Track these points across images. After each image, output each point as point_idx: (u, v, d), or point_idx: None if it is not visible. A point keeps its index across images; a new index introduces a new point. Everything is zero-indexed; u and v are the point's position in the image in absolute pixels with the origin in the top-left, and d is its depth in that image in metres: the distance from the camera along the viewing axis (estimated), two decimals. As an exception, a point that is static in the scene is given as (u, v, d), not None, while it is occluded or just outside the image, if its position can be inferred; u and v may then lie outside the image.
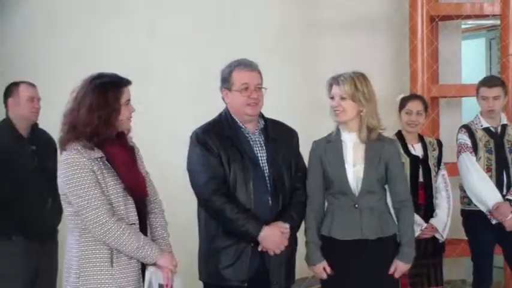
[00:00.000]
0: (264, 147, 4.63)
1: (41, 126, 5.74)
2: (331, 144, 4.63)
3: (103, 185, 3.94)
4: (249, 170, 4.52)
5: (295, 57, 7.67)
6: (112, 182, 3.97)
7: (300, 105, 7.48)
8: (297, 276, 6.95)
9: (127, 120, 4.09)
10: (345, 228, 4.56)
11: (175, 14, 7.33)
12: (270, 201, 4.55)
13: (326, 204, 4.68)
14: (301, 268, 6.48)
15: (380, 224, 4.61)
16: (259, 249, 4.46)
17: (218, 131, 4.58)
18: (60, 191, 4.02)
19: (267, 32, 7.53)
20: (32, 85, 5.80)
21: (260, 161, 4.59)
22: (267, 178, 4.56)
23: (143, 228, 4.09)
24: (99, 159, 3.96)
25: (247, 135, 4.61)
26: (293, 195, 4.66)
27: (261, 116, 4.71)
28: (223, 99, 4.65)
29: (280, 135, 4.71)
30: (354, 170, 4.58)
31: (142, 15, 7.32)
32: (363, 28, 7.85)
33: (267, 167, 4.58)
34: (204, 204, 4.54)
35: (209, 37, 7.17)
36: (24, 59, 7.05)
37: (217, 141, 4.51)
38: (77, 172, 3.90)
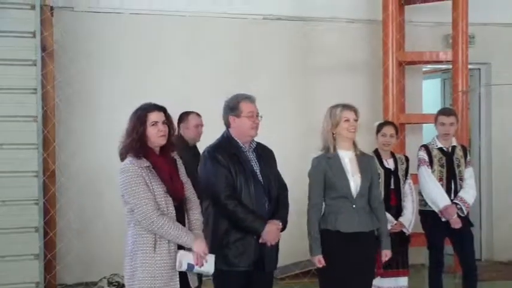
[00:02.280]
0: (257, 163, 4.62)
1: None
2: (331, 160, 4.64)
3: (150, 187, 3.97)
4: (250, 180, 4.52)
5: (295, 92, 7.70)
6: (156, 185, 4.00)
7: (298, 129, 7.50)
8: (295, 259, 7.09)
9: (155, 138, 4.08)
10: (348, 223, 4.58)
11: (204, 59, 7.34)
12: (267, 204, 4.56)
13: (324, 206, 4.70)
14: (298, 253, 6.59)
15: (370, 220, 4.69)
16: (260, 241, 4.47)
17: (225, 149, 4.56)
18: (120, 192, 4.08)
19: (275, 73, 7.56)
20: (198, 115, 5.86)
21: (257, 173, 4.59)
22: (262, 186, 4.57)
23: (181, 221, 4.10)
24: (146, 168, 4.00)
25: (245, 152, 4.62)
26: (279, 199, 4.65)
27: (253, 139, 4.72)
28: (228, 124, 4.65)
29: (266, 154, 4.72)
30: (353, 179, 4.63)
31: (178, 57, 7.29)
32: (347, 71, 7.87)
33: (261, 178, 4.57)
34: (219, 206, 4.48)
35: (231, 77, 7.14)
36: (88, 96, 7.05)
37: (225, 156, 4.51)
38: (129, 177, 3.97)
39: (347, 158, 4.67)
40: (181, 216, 4.13)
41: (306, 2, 7.78)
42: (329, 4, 7.73)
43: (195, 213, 4.24)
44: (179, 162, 4.28)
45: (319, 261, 4.60)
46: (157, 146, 4.11)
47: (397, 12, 7.32)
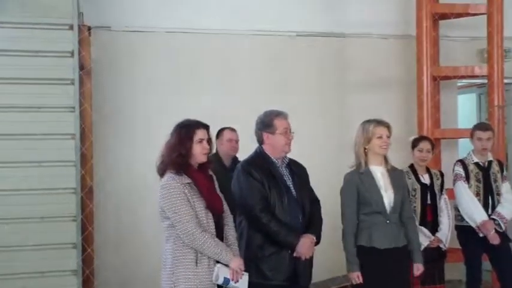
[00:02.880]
0: (290, 178, 4.66)
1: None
2: (364, 176, 4.64)
3: (191, 204, 4.03)
4: (283, 194, 4.55)
5: (328, 108, 7.67)
6: (197, 201, 4.06)
7: (331, 145, 7.48)
8: (330, 275, 7.02)
9: (200, 155, 4.15)
10: (383, 239, 4.58)
11: (238, 76, 7.37)
12: (301, 218, 4.59)
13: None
14: (333, 268, 6.53)
15: (403, 234, 4.69)
16: (294, 255, 4.48)
17: (258, 164, 4.61)
18: (159, 208, 4.12)
19: (308, 89, 7.56)
20: (233, 130, 5.97)
21: (290, 187, 4.62)
22: (296, 200, 4.59)
23: (220, 236, 4.16)
24: (187, 184, 4.06)
25: (279, 168, 4.65)
26: (312, 214, 4.67)
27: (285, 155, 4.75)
28: (261, 140, 4.69)
29: (298, 170, 4.75)
30: (387, 194, 4.62)
31: (212, 75, 7.32)
32: (381, 86, 7.84)
33: (295, 192, 4.61)
34: (253, 219, 4.51)
35: (265, 94, 7.19)
36: (124, 114, 7.11)
37: (259, 171, 4.55)
38: (172, 194, 4.02)
39: (379, 173, 4.69)
40: (219, 231, 4.19)
41: (339, 19, 7.76)
42: (362, 20, 7.72)
43: (231, 228, 4.31)
44: (214, 177, 4.33)
45: (358, 277, 4.58)
46: (198, 163, 4.17)
47: (431, 27, 7.28)
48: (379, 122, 4.71)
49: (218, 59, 7.34)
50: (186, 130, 4.14)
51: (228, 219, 4.32)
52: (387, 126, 4.71)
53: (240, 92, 7.30)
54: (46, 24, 6.19)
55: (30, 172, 6.10)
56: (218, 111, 6.84)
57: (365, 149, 4.69)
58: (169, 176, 4.09)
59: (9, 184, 6.02)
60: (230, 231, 4.29)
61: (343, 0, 7.78)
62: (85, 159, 6.36)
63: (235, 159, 5.84)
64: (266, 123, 4.68)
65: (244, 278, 4.19)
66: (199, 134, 4.15)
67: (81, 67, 6.33)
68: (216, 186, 4.33)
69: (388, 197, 4.63)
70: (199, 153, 4.15)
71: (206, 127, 4.22)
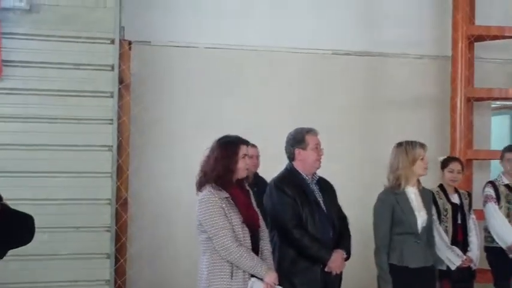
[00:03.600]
0: (320, 194, 4.74)
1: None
2: (399, 196, 4.71)
3: (228, 218, 4.09)
4: (315, 210, 4.63)
5: (363, 126, 7.67)
6: (234, 216, 4.12)
7: (364, 161, 7.44)
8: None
9: (243, 170, 4.24)
10: (414, 258, 4.65)
11: (274, 93, 7.41)
12: (331, 234, 4.67)
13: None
14: (361, 284, 6.52)
15: (431, 254, 4.79)
16: (326, 269, 4.55)
17: (290, 181, 4.70)
18: (197, 221, 4.20)
19: (342, 107, 7.58)
20: (254, 146, 5.74)
21: (321, 204, 4.69)
22: (327, 216, 4.66)
23: (255, 250, 4.20)
24: (225, 199, 4.13)
25: (309, 184, 4.72)
26: (341, 230, 4.74)
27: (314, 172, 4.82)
28: (292, 156, 4.77)
29: (327, 187, 4.83)
30: (420, 215, 4.69)
31: (249, 94, 7.39)
32: (416, 105, 7.84)
33: (325, 208, 4.68)
34: (286, 234, 4.58)
35: (300, 110, 7.25)
36: (161, 128, 7.17)
37: (292, 187, 4.63)
38: (210, 208, 4.10)
39: (412, 193, 4.76)
40: (255, 245, 4.24)
41: (375, 38, 7.80)
42: (398, 40, 7.74)
43: (266, 243, 4.35)
44: (251, 193, 4.39)
45: None
46: (236, 178, 4.24)
47: (466, 49, 7.29)
48: (421, 145, 4.81)
49: (255, 74, 7.41)
50: (232, 146, 4.23)
51: (264, 233, 4.36)
52: (425, 148, 4.82)
53: (275, 108, 7.35)
54: (88, 38, 6.30)
55: (67, 182, 6.18)
56: (253, 128, 6.89)
57: (407, 170, 4.77)
58: (208, 190, 4.16)
59: (47, 193, 6.08)
60: (266, 246, 4.34)
61: (379, 20, 7.80)
62: (121, 171, 6.45)
63: (256, 175, 5.81)
64: (298, 139, 4.78)
65: None
66: (243, 150, 4.25)
67: (121, 81, 6.43)
68: (253, 201, 4.39)
69: (421, 218, 4.71)
70: (242, 168, 4.23)
71: (247, 143, 4.32)
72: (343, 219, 4.83)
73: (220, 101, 7.28)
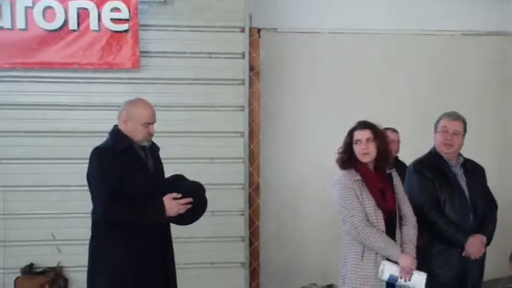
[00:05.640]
0: (464, 177, 4.65)
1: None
2: None
3: (360, 199, 4.15)
4: (455, 193, 4.57)
5: (492, 106, 7.54)
6: (367, 198, 4.16)
7: (495, 142, 7.39)
8: (492, 276, 6.86)
9: (360, 155, 4.26)
10: None
11: (401, 76, 7.35)
12: (472, 218, 4.57)
13: None
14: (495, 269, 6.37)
15: None
16: (463, 254, 4.49)
17: (430, 163, 4.67)
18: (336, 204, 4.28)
19: (474, 89, 7.48)
20: (395, 131, 5.97)
21: (462, 187, 4.61)
22: (468, 200, 4.58)
23: (391, 234, 4.19)
24: (358, 181, 4.20)
25: (452, 167, 4.66)
26: (486, 215, 4.63)
27: (460, 154, 4.75)
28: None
29: (474, 170, 4.74)
30: None
31: (374, 75, 7.31)
32: None
33: (467, 192, 4.59)
34: (422, 216, 4.50)
35: (428, 93, 7.24)
36: (291, 114, 7.21)
37: (431, 170, 4.61)
38: (342, 190, 4.20)
39: None
40: (392, 231, 4.21)
41: (503, 18, 7.57)
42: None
43: (409, 229, 4.30)
44: (396, 178, 4.37)
45: None
46: (367, 162, 4.26)
47: None
48: None
49: (381, 58, 7.34)
50: (349, 132, 4.33)
51: (407, 220, 4.33)
52: None
53: (403, 92, 7.29)
54: (219, 28, 6.46)
55: (202, 168, 6.35)
56: (378, 112, 6.84)
57: None
58: (342, 172, 4.28)
59: None
60: (409, 231, 4.29)
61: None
62: (253, 157, 6.62)
63: (396, 159, 5.74)
64: (435, 123, 4.80)
65: (419, 278, 4.15)
66: (357, 135, 4.28)
67: (251, 68, 6.58)
68: (398, 186, 4.37)
69: None
70: (359, 153, 4.26)
71: (366, 127, 4.30)
72: (490, 203, 4.73)
73: (345, 86, 7.27)
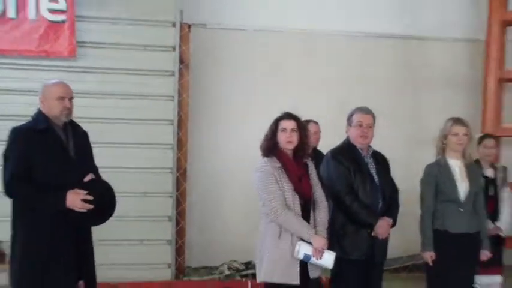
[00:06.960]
0: (374, 166, 4.98)
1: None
2: (442, 168, 4.97)
3: (279, 185, 4.40)
4: (366, 180, 4.88)
5: (402, 105, 7.99)
6: (286, 184, 4.43)
7: (405, 137, 7.79)
8: (395, 255, 7.36)
9: (284, 143, 4.51)
10: (455, 224, 4.90)
11: (318, 73, 7.73)
12: (380, 203, 4.91)
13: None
14: (397, 250, 6.84)
15: (475, 222, 4.99)
16: (372, 234, 4.85)
17: (346, 152, 4.96)
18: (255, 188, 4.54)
19: (383, 87, 7.92)
20: (316, 123, 6.14)
21: (373, 175, 4.94)
22: (378, 187, 4.91)
23: (307, 218, 4.45)
24: (278, 168, 4.45)
25: (363, 157, 5.00)
26: (391, 200, 5.00)
27: (370, 146, 5.06)
28: (346, 132, 5.08)
29: (382, 160, 5.09)
30: (461, 185, 4.95)
31: (294, 73, 7.71)
32: (450, 86, 8.15)
33: (377, 179, 4.93)
34: (338, 201, 4.81)
35: (342, 90, 7.66)
36: (216, 105, 7.53)
37: (346, 158, 4.91)
38: (263, 175, 4.44)
39: (457, 166, 4.99)
40: (306, 214, 4.47)
41: (414, 22, 8.12)
42: (438, 24, 8.09)
43: (321, 213, 4.57)
44: (311, 167, 4.66)
45: (431, 256, 4.93)
46: (288, 150, 4.54)
47: (500, 33, 7.65)
48: (457, 121, 5.01)
49: (300, 56, 7.74)
50: (274, 121, 4.56)
51: (319, 205, 4.58)
52: (465, 125, 5.00)
53: (319, 88, 7.69)
54: (151, 21, 6.77)
55: (134, 153, 6.69)
56: (298, 105, 7.27)
57: (443, 143, 5.04)
58: (263, 159, 4.51)
59: (114, 162, 6.35)
60: (320, 215, 4.54)
61: (419, 5, 8.16)
62: (181, 144, 6.97)
63: (315, 150, 6.06)
64: (348, 117, 5.10)
65: (329, 257, 4.44)
66: (282, 124, 4.51)
67: (181, 61, 6.91)
68: (313, 174, 4.66)
69: (462, 188, 4.94)
70: (282, 141, 4.49)
71: (292, 118, 4.55)
72: (394, 191, 5.09)
73: (269, 80, 7.60)
